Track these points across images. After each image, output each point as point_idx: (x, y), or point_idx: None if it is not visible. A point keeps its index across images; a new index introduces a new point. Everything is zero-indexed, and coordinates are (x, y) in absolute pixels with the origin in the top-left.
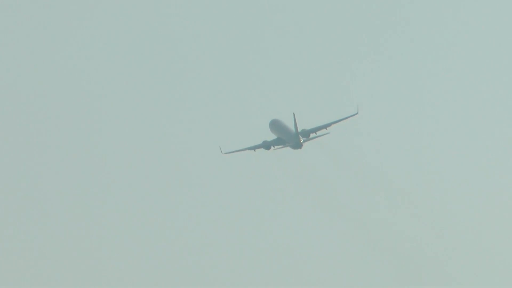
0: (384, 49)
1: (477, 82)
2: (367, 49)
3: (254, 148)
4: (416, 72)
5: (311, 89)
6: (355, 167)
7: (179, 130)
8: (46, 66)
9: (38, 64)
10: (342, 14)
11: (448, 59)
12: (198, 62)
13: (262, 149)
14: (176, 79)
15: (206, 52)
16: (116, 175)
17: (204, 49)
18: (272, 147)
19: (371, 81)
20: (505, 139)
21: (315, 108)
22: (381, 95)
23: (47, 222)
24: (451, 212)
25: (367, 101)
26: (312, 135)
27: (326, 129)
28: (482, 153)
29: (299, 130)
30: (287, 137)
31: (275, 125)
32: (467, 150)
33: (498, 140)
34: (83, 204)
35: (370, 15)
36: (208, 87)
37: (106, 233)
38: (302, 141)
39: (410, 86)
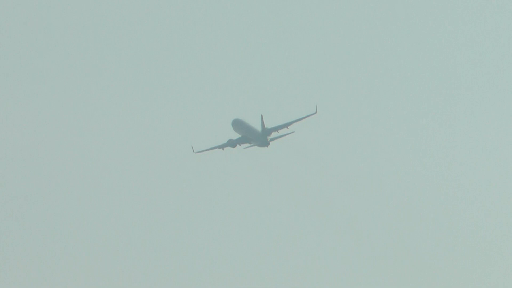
0: (344, 50)
1: (430, 77)
2: (327, 50)
3: (221, 146)
4: (374, 72)
5: (270, 89)
6: (320, 163)
7: (139, 131)
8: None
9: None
10: (300, 13)
11: (406, 57)
12: (156, 63)
13: (228, 148)
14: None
15: (162, 53)
16: (87, 176)
17: (161, 50)
18: (238, 145)
19: (329, 81)
20: (464, 135)
21: (274, 107)
22: (339, 95)
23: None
24: (412, 204)
25: (326, 101)
26: (273, 133)
27: (288, 127)
28: (435, 149)
29: (260, 129)
30: (253, 135)
31: (238, 124)
32: (427, 145)
33: (459, 136)
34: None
35: (326, 14)
36: (166, 88)
37: (76, 234)
38: (269, 140)
39: (368, 86)
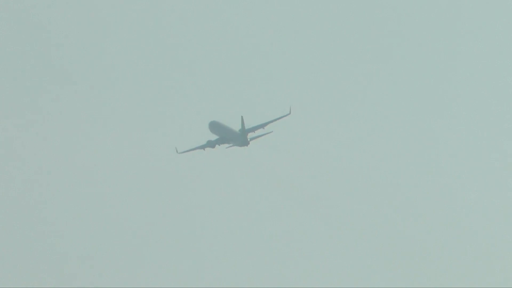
0: (318, 49)
1: (405, 77)
2: (301, 50)
3: (202, 147)
4: (350, 72)
5: (242, 91)
6: (302, 161)
7: (113, 133)
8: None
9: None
10: (274, 12)
11: (383, 56)
12: (128, 67)
13: (209, 148)
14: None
15: (134, 56)
16: (72, 177)
17: (137, 51)
18: (217, 145)
19: (303, 82)
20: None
21: (247, 109)
22: (313, 96)
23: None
24: (399, 199)
25: (299, 102)
26: (250, 134)
27: (264, 128)
28: (410, 150)
29: (238, 129)
30: (232, 136)
31: (216, 126)
32: (402, 147)
33: (434, 137)
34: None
35: (299, 12)
36: (141, 89)
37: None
38: (249, 139)
39: (341, 86)
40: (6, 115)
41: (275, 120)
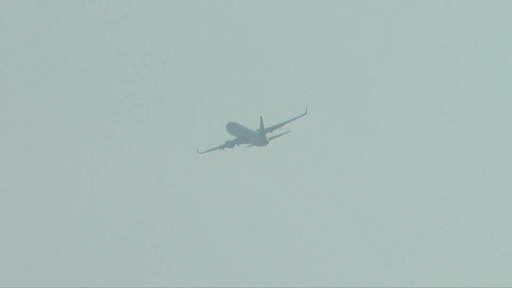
0: (330, 51)
1: (414, 81)
2: (315, 51)
3: (221, 147)
4: (360, 73)
5: (258, 91)
6: (322, 160)
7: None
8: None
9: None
10: (290, 12)
11: (393, 59)
12: (141, 68)
13: (228, 148)
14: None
15: (147, 57)
16: (88, 177)
17: (146, 54)
18: (236, 145)
19: (319, 83)
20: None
21: (263, 109)
22: (328, 96)
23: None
24: (415, 202)
25: (315, 102)
26: (268, 134)
27: (281, 128)
28: (429, 146)
29: (255, 129)
30: (250, 136)
31: (233, 127)
32: (421, 143)
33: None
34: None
35: (315, 12)
36: (154, 91)
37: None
38: (267, 139)
39: (355, 87)
40: (6, 115)
41: (292, 120)
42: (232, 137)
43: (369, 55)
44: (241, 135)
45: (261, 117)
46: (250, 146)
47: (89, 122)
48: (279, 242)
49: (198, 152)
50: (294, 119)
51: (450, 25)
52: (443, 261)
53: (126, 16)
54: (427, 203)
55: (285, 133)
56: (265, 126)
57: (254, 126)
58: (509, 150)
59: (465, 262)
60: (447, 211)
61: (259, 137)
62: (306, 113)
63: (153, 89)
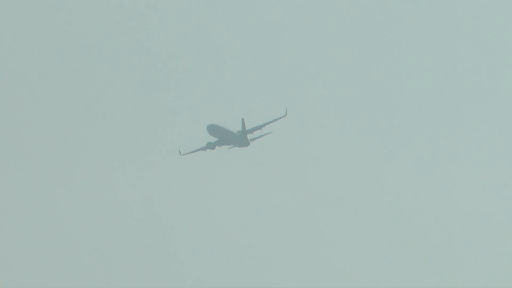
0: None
1: (400, 79)
2: (297, 52)
3: (203, 149)
4: (348, 75)
5: (240, 93)
6: (303, 160)
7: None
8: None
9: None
10: (271, 14)
11: (380, 58)
12: (122, 69)
13: (209, 150)
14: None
15: (128, 59)
16: (72, 177)
17: (126, 56)
18: (217, 146)
19: (298, 84)
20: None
21: (245, 110)
22: (307, 98)
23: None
24: (402, 200)
25: (295, 104)
26: (249, 135)
27: (261, 129)
28: (407, 150)
29: (236, 131)
30: (232, 137)
31: (214, 129)
32: (400, 148)
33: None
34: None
35: (295, 14)
36: (134, 94)
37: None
38: (249, 140)
39: (335, 88)
40: (6, 115)
41: (272, 121)
42: (213, 139)
43: (349, 56)
44: (222, 137)
45: (242, 119)
46: (231, 147)
47: (70, 124)
48: (261, 241)
49: (180, 154)
50: (274, 120)
51: (449, 24)
52: (443, 261)
53: (107, 18)
54: (409, 202)
55: (266, 134)
56: (246, 128)
57: (235, 128)
58: (509, 150)
59: (465, 262)
60: (435, 211)
61: (240, 138)
62: (286, 114)
63: (134, 92)
